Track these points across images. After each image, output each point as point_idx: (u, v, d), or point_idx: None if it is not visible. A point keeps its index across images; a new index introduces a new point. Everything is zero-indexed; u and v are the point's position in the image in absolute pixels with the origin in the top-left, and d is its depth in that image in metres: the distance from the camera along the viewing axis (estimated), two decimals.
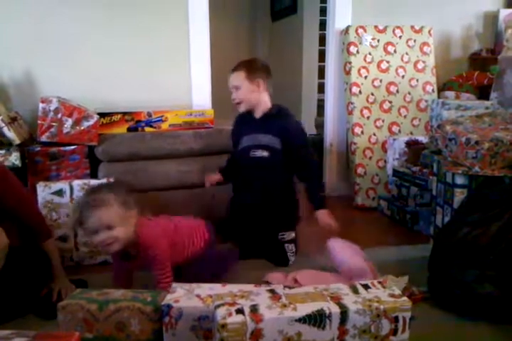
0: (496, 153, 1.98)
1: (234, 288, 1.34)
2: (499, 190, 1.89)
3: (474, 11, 3.42)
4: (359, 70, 3.13)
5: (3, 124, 2.29)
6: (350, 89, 3.12)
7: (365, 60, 3.14)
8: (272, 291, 1.29)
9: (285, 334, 1.17)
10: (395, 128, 3.17)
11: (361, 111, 3.12)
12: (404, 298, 1.27)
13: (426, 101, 3.19)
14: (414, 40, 3.21)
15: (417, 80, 3.21)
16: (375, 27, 3.16)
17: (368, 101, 3.13)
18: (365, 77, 3.13)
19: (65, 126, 2.37)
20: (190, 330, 1.28)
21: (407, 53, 3.20)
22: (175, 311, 1.27)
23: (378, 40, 3.16)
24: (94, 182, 2.21)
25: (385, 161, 3.10)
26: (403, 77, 3.19)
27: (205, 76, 3.00)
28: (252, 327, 1.15)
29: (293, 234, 2.24)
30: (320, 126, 3.69)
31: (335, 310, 1.20)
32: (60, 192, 2.16)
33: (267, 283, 1.91)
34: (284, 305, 1.21)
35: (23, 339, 0.97)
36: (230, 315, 1.16)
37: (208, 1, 2.93)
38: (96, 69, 2.79)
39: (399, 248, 2.39)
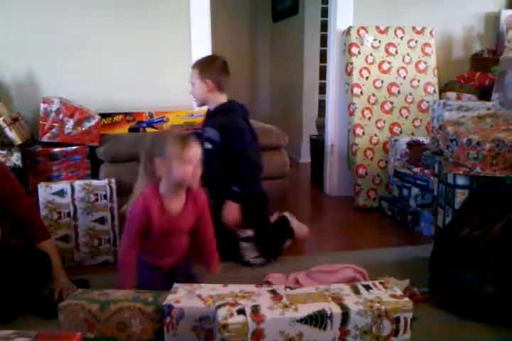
0: (497, 154, 1.98)
1: (235, 288, 1.34)
2: (500, 191, 1.89)
3: (476, 11, 3.42)
4: (360, 71, 3.13)
5: (5, 125, 2.29)
6: (352, 90, 3.12)
7: (366, 61, 3.14)
8: (273, 292, 1.29)
9: (286, 335, 1.17)
10: (396, 129, 3.17)
11: (362, 111, 3.12)
12: (406, 299, 1.27)
13: (427, 102, 3.19)
14: (416, 41, 3.21)
15: (419, 81, 3.21)
16: (377, 28, 3.16)
17: (369, 101, 3.13)
18: (367, 78, 3.13)
19: (67, 126, 2.37)
20: (191, 331, 1.28)
21: (408, 54, 3.20)
22: (176, 311, 1.27)
23: (380, 41, 3.16)
24: (95, 182, 2.21)
25: (386, 162, 3.10)
26: (404, 77, 3.19)
27: None
28: (253, 327, 1.15)
29: (249, 232, 2.20)
30: (321, 126, 3.68)
31: (336, 310, 1.19)
32: (61, 193, 2.16)
33: (268, 283, 1.91)
34: (286, 306, 1.21)
35: (25, 339, 0.97)
36: (232, 315, 1.16)
37: (210, 1, 2.93)
38: (97, 70, 2.80)
39: (400, 249, 2.39)
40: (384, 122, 3.15)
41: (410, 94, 3.19)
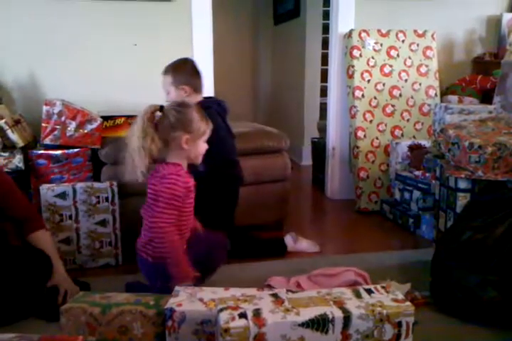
0: (499, 158, 1.98)
1: (237, 292, 1.34)
2: (502, 195, 1.89)
3: (477, 15, 3.42)
4: (362, 74, 3.13)
5: (7, 127, 2.29)
6: (353, 93, 3.13)
7: (368, 64, 3.14)
8: (274, 295, 1.29)
9: (288, 339, 1.17)
10: (397, 132, 3.17)
11: (364, 114, 3.12)
12: (408, 303, 1.27)
13: (429, 105, 3.19)
14: (417, 44, 3.21)
15: (420, 84, 3.21)
16: (378, 31, 3.16)
17: (370, 104, 3.13)
18: (368, 81, 3.14)
19: (69, 128, 2.37)
20: (192, 334, 1.28)
21: (410, 57, 3.20)
22: (178, 315, 1.27)
23: (381, 44, 3.16)
24: (97, 185, 2.21)
25: (388, 165, 3.10)
26: (406, 80, 3.19)
27: (208, 79, 3.00)
28: (255, 331, 1.15)
29: None
30: (322, 129, 3.68)
31: (338, 314, 1.20)
32: (63, 195, 2.16)
33: (270, 287, 1.91)
34: (287, 310, 1.21)
35: None
36: (233, 319, 1.16)
37: (211, 3, 2.94)
38: (98, 71, 2.80)
39: (401, 252, 2.39)
40: (385, 125, 3.15)
41: (412, 97, 3.20)
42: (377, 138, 3.14)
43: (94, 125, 2.42)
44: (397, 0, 3.24)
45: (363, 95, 3.12)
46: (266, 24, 5.40)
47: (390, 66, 3.17)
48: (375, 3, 3.22)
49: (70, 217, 2.17)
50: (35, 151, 2.35)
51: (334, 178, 3.42)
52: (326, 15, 3.85)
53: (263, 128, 2.87)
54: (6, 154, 2.28)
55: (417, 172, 2.73)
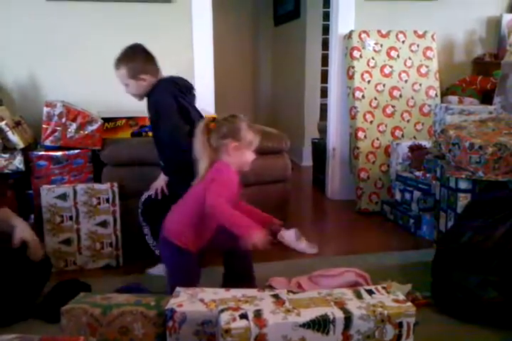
0: (499, 158, 1.98)
1: (237, 292, 1.34)
2: (503, 195, 1.89)
3: (477, 15, 3.42)
4: (362, 75, 3.13)
5: (8, 128, 2.30)
6: (354, 94, 3.13)
7: (368, 65, 3.14)
8: (275, 296, 1.29)
9: (289, 340, 1.17)
10: (398, 133, 3.17)
11: (364, 115, 3.12)
12: (409, 304, 1.27)
13: (429, 105, 3.19)
14: (418, 45, 3.21)
15: (420, 85, 3.21)
16: (378, 31, 3.16)
17: (371, 105, 3.14)
18: (368, 82, 3.14)
19: (69, 130, 2.37)
20: (193, 335, 1.28)
21: (410, 58, 3.20)
22: (178, 315, 1.27)
23: (381, 45, 3.16)
24: (97, 186, 2.21)
25: (388, 166, 3.10)
26: (406, 81, 3.19)
27: (209, 81, 3.01)
28: (255, 332, 1.15)
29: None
30: (323, 130, 3.68)
31: (339, 315, 1.19)
32: (63, 196, 2.16)
33: (271, 287, 1.91)
34: (288, 310, 1.21)
35: None
36: (234, 320, 1.16)
37: (211, 4, 2.94)
38: (100, 74, 2.80)
39: (402, 253, 2.38)
40: (386, 126, 3.15)
41: (412, 97, 3.20)
42: (377, 139, 3.14)
43: (95, 126, 2.42)
44: (397, 1, 3.24)
45: (363, 96, 3.12)
46: (266, 25, 5.41)
47: (390, 67, 3.17)
48: (375, 4, 3.22)
49: (71, 218, 2.17)
50: (35, 153, 2.35)
51: (335, 179, 3.42)
52: (326, 16, 3.86)
53: (263, 128, 2.87)
54: (7, 155, 2.28)
55: (417, 173, 2.73)
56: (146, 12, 2.86)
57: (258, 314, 1.18)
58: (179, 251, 1.72)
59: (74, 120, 2.38)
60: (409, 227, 2.71)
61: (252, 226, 1.58)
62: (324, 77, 4.07)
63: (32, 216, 2.36)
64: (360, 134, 3.11)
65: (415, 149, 2.86)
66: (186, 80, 2.19)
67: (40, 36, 2.73)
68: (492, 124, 2.27)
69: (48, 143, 2.37)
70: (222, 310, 1.20)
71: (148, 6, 2.84)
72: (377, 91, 3.14)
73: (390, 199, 3.06)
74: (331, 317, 1.19)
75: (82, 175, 2.39)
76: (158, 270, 2.12)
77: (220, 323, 1.15)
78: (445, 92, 3.31)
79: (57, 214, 2.16)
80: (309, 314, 1.19)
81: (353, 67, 3.13)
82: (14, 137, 2.31)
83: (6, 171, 2.29)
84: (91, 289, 1.90)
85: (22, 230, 1.79)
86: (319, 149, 3.70)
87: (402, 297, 1.30)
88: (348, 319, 1.20)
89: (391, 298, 1.29)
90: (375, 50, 3.15)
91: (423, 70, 3.22)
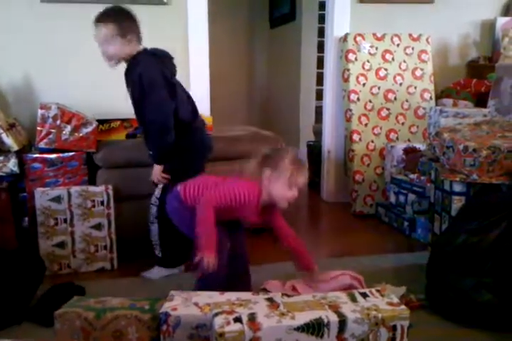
0: (493, 161, 1.98)
1: (232, 296, 1.34)
2: (497, 198, 1.90)
3: (472, 19, 3.44)
4: (357, 77, 3.14)
5: (2, 131, 2.29)
6: (349, 96, 3.14)
7: (363, 68, 3.15)
8: (270, 299, 1.29)
9: None
10: (392, 136, 3.17)
11: (359, 118, 3.13)
12: (403, 307, 1.27)
13: (424, 108, 3.20)
14: (412, 48, 3.22)
15: (415, 87, 3.22)
16: (374, 34, 3.17)
17: (366, 108, 3.14)
18: (364, 85, 3.14)
19: (64, 132, 2.37)
20: (188, 339, 1.28)
21: (404, 61, 3.21)
22: (172, 319, 1.26)
23: (376, 48, 3.17)
24: (92, 188, 2.21)
25: (383, 168, 3.10)
26: (401, 84, 3.20)
27: (204, 83, 3.00)
28: (249, 335, 1.15)
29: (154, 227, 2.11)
30: (318, 132, 3.69)
31: (333, 318, 1.19)
32: (57, 199, 2.15)
33: (265, 290, 1.90)
34: (282, 314, 1.20)
35: None
36: (228, 323, 1.16)
37: (207, 7, 2.95)
38: (95, 76, 2.79)
39: (396, 255, 2.39)
40: (380, 128, 3.16)
41: (407, 100, 3.21)
42: (372, 142, 3.14)
43: (90, 128, 2.42)
44: (392, 4, 3.26)
45: (358, 98, 3.13)
46: (262, 27, 5.41)
47: (385, 70, 3.19)
48: (370, 8, 3.23)
49: (65, 221, 2.16)
50: (30, 155, 2.34)
51: (330, 181, 3.42)
52: (322, 18, 3.87)
53: (259, 131, 2.87)
54: (1, 158, 2.27)
55: (412, 176, 2.74)
56: (141, 14, 2.84)
57: (252, 317, 1.18)
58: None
59: (68, 122, 2.37)
60: (404, 230, 2.72)
61: (209, 248, 1.57)
62: (319, 79, 4.08)
63: (26, 218, 2.35)
64: (355, 137, 3.12)
65: (410, 152, 2.86)
66: (163, 50, 2.09)
67: (34, 38, 2.72)
68: (486, 127, 2.28)
69: (42, 145, 2.36)
70: (216, 314, 1.20)
71: (144, 8, 2.83)
72: (372, 94, 3.15)
73: (384, 201, 3.06)
74: (326, 320, 1.19)
75: (77, 177, 2.38)
76: (153, 273, 2.12)
77: (214, 327, 1.15)
78: (440, 95, 3.32)
79: (52, 216, 2.15)
80: (304, 317, 1.19)
81: (348, 70, 3.14)
82: (8, 139, 2.30)
83: (0, 174, 2.27)
84: (85, 292, 1.90)
85: None
86: (314, 152, 3.71)
87: (396, 300, 1.30)
88: (343, 322, 1.20)
89: (385, 301, 1.29)
90: (370, 53, 3.16)
91: (418, 73, 3.23)
